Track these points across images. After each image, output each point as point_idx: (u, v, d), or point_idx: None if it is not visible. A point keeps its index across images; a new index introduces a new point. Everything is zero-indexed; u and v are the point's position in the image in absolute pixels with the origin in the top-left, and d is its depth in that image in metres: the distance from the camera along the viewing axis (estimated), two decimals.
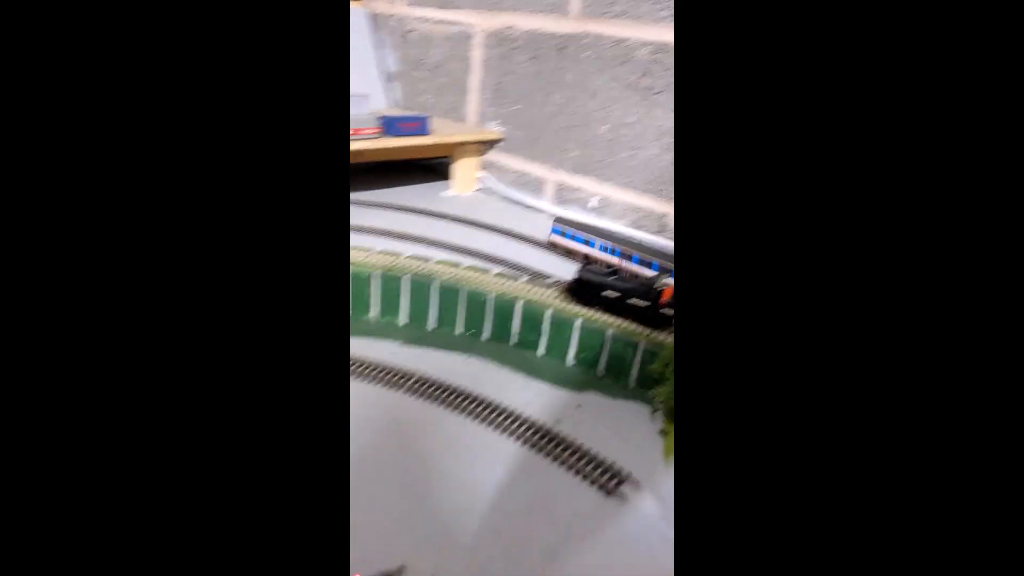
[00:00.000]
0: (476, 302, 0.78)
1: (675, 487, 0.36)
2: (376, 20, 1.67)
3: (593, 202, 1.27)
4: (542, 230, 1.15)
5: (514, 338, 0.78)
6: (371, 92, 1.62)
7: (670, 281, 0.75)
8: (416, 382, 0.67)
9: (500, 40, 1.37)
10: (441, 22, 1.50)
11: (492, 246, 1.08)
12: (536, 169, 1.37)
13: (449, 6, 1.46)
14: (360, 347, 0.74)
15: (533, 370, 0.73)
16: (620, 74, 1.15)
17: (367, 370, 0.69)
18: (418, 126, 1.23)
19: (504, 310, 0.77)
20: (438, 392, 0.66)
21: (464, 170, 1.45)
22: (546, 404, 0.66)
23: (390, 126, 1.19)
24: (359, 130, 1.15)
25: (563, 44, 1.24)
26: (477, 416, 0.63)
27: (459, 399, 0.65)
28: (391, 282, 0.80)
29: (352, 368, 0.69)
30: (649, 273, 0.90)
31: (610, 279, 0.75)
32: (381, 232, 1.09)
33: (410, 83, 1.64)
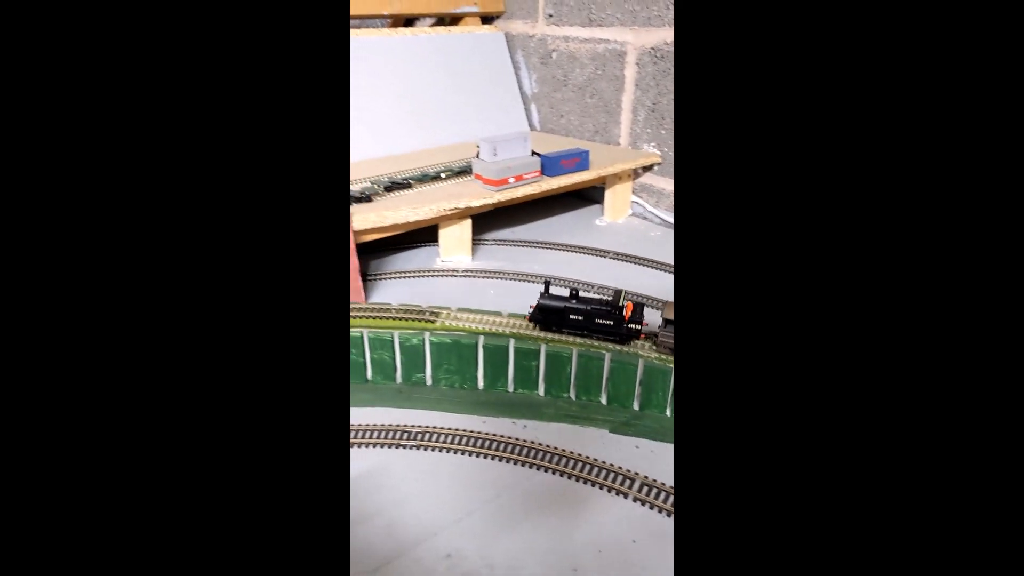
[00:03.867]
0: None
1: (675, 489, 0.40)
2: (513, 41, 1.63)
3: None
4: None
5: None
6: (509, 117, 1.58)
7: (630, 298, 0.78)
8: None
9: (657, 57, 1.26)
10: (588, 40, 1.42)
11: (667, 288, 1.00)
12: None
13: (597, 24, 1.37)
14: (566, 437, 0.70)
15: None
16: None
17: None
18: (579, 162, 1.16)
19: None
20: None
21: (617, 195, 1.38)
22: None
23: (551, 166, 1.14)
24: (521, 175, 1.10)
25: None
26: None
27: None
28: (590, 362, 0.75)
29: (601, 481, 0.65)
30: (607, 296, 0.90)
31: (572, 303, 0.78)
32: (551, 279, 1.05)
33: (550, 105, 1.58)
